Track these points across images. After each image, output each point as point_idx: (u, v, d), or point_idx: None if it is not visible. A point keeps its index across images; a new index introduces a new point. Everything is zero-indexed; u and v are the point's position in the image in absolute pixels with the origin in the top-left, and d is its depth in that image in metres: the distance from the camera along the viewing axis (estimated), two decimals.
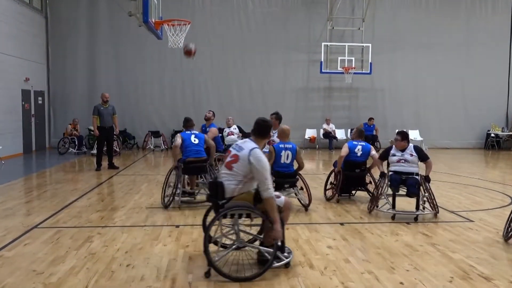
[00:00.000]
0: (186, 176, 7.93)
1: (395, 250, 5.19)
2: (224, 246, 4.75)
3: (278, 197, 4.58)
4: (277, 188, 6.02)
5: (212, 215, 4.60)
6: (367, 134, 16.95)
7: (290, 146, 7.06)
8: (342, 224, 6.35)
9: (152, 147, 17.12)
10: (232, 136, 11.10)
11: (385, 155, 7.08)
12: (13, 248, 5.19)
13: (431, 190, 6.75)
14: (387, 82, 18.64)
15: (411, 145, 6.94)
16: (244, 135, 11.57)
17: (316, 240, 5.57)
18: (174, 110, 17.60)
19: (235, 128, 11.32)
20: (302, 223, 6.40)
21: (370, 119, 17.41)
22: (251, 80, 18.27)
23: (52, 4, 17.44)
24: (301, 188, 7.32)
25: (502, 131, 18.72)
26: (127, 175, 10.89)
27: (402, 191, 6.76)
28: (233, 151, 4.52)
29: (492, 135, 18.60)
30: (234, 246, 4.55)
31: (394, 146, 7.00)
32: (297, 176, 7.18)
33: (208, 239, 4.29)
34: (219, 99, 18.03)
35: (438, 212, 6.74)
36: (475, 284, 4.22)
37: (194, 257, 4.87)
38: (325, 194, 8.16)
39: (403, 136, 6.91)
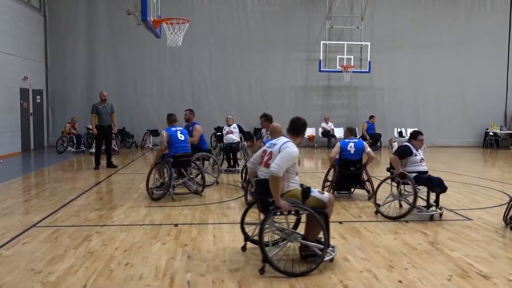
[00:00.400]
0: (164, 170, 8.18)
1: (394, 248, 5.19)
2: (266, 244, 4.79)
3: (322, 193, 4.70)
4: None
5: (252, 214, 4.96)
6: (370, 133, 17.04)
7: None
8: (340, 222, 6.34)
9: (150, 146, 17.09)
10: (231, 135, 11.04)
11: (404, 155, 6.70)
12: (11, 247, 5.18)
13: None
14: (386, 81, 18.64)
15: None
16: (244, 134, 11.51)
17: None
18: (173, 108, 17.37)
19: (235, 127, 11.23)
20: (301, 222, 6.38)
21: (371, 117, 17.41)
22: (250, 79, 18.26)
23: (50, 3, 17.41)
24: None
25: (501, 130, 18.74)
26: (125, 174, 10.88)
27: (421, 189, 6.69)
28: (268, 150, 4.61)
29: (491, 133, 18.63)
30: (285, 242, 4.61)
31: (412, 145, 6.79)
32: None
33: (247, 237, 4.74)
34: (218, 98, 18.03)
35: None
36: (474, 282, 4.22)
37: (192, 256, 4.87)
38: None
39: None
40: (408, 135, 7.17)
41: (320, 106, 18.63)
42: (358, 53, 18.02)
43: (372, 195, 7.21)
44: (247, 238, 4.94)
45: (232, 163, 11.11)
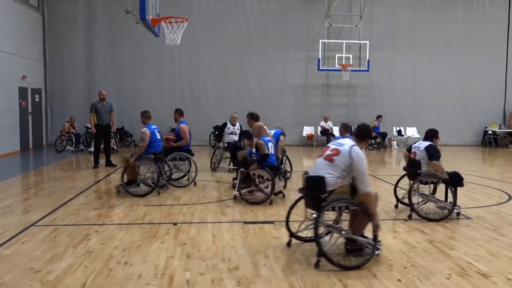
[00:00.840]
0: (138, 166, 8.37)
1: (393, 247, 5.19)
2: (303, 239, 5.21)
3: None
4: None
5: (297, 211, 5.18)
6: (377, 131, 17.04)
7: (269, 138, 7.61)
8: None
9: None
10: (233, 136, 10.92)
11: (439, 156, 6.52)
12: (10, 246, 5.18)
13: None
14: (385, 80, 18.64)
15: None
16: (243, 133, 11.41)
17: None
18: (172, 107, 17.22)
19: (238, 129, 11.06)
20: (300, 220, 6.38)
21: (379, 116, 17.43)
22: (249, 78, 18.24)
23: (49, 2, 17.36)
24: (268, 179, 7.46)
25: (500, 128, 18.76)
26: None
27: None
28: (332, 146, 4.87)
29: (490, 132, 18.65)
30: (339, 236, 4.77)
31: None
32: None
33: (291, 234, 5.08)
34: (218, 97, 18.02)
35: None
36: (473, 281, 4.23)
37: (191, 255, 4.86)
38: None
39: None
40: (424, 134, 6.95)
41: (319, 105, 18.63)
42: (357, 52, 18.03)
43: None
44: (291, 234, 5.19)
45: (237, 162, 11.02)
